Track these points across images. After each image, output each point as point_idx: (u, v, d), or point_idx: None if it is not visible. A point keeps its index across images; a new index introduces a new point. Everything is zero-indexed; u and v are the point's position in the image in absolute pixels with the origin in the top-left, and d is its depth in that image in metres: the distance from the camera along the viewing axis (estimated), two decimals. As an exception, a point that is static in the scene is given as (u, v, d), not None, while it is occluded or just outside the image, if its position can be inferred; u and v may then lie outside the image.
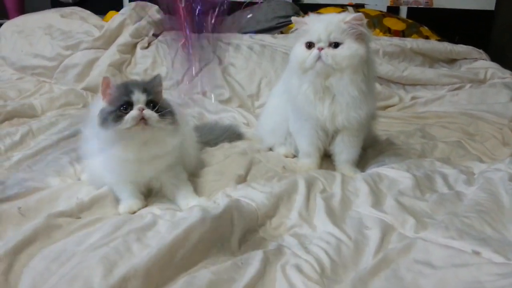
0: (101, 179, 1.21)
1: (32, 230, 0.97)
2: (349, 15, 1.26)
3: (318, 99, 1.37)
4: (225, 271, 0.87)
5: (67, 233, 1.00)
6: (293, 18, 1.39)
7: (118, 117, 1.05)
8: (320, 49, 1.28)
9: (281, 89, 1.56)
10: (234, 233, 1.01)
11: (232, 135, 1.73)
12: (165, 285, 0.85)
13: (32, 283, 0.84)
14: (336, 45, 1.27)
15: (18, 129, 1.75)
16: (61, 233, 1.00)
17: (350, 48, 1.26)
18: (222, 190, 1.23)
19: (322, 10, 2.86)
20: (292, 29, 1.38)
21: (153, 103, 1.09)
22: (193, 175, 1.35)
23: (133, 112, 1.06)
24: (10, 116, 1.94)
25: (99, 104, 1.12)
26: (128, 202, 1.15)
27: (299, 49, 1.33)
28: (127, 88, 1.08)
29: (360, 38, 1.27)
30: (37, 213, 1.08)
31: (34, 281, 0.84)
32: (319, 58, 1.28)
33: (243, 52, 2.42)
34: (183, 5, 2.06)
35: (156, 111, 1.09)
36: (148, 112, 1.07)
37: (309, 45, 1.30)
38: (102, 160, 1.17)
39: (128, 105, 1.07)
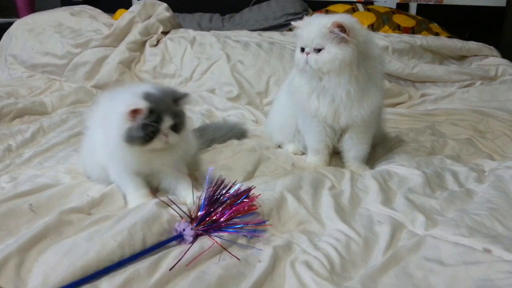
0: (98, 173, 1.23)
1: (43, 226, 0.98)
2: (331, 20, 1.27)
3: (315, 97, 1.40)
4: (234, 267, 0.87)
5: (78, 229, 1.01)
6: (292, 22, 1.45)
7: (146, 140, 1.10)
8: (308, 54, 1.33)
9: (289, 81, 1.57)
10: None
11: (237, 132, 1.74)
12: (173, 281, 0.85)
13: (43, 278, 0.85)
14: (319, 50, 1.31)
15: (29, 126, 1.77)
16: (72, 229, 1.01)
17: (329, 53, 1.29)
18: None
19: (330, 7, 2.85)
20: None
21: (176, 125, 1.13)
22: (196, 170, 1.36)
23: (161, 139, 1.11)
24: (21, 114, 1.96)
25: (119, 116, 1.10)
26: (137, 199, 1.16)
27: (297, 52, 1.38)
28: (159, 116, 1.09)
29: (344, 41, 1.28)
30: (49, 210, 1.09)
31: (45, 275, 0.85)
32: (307, 62, 1.33)
33: (251, 49, 2.41)
34: None
35: (176, 127, 1.13)
36: (171, 138, 1.12)
37: (302, 49, 1.35)
38: (108, 153, 1.18)
39: (156, 130, 1.10)
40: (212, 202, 1.02)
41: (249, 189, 1.05)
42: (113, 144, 1.13)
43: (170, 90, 1.20)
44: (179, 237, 0.97)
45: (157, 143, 1.11)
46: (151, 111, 1.08)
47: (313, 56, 1.31)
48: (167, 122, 1.11)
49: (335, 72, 1.31)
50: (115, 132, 1.10)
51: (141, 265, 0.88)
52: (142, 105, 1.07)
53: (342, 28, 1.26)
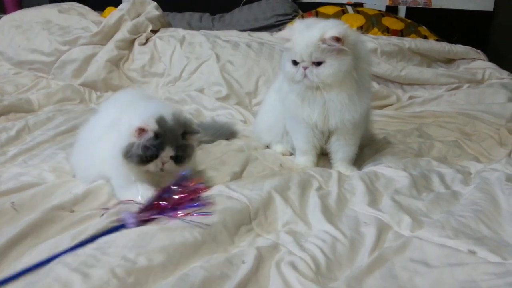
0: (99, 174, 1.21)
1: (25, 226, 0.96)
2: (327, 32, 1.26)
3: (307, 105, 1.39)
4: (218, 268, 0.86)
5: (60, 228, 1.00)
6: (275, 35, 1.41)
7: (142, 160, 1.10)
8: (305, 68, 1.31)
9: (278, 87, 1.56)
10: (227, 230, 1.01)
11: (226, 133, 1.73)
12: (156, 283, 0.84)
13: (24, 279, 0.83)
14: (318, 63, 1.29)
15: (15, 124, 1.75)
16: (55, 228, 1.00)
17: (332, 66, 1.28)
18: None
19: (320, 8, 2.85)
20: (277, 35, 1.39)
21: (178, 157, 1.13)
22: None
23: (157, 164, 1.11)
24: (6, 111, 1.93)
25: (128, 129, 1.10)
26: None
27: (287, 64, 1.35)
28: (161, 144, 1.09)
29: (342, 52, 1.28)
30: (31, 209, 1.08)
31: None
32: (305, 75, 1.31)
33: (241, 49, 2.41)
34: None
35: (177, 159, 1.13)
36: (168, 167, 1.12)
37: (295, 62, 1.33)
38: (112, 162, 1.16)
39: (154, 156, 1.10)
40: (162, 192, 1.02)
41: (198, 179, 1.06)
42: (116, 155, 1.12)
43: (184, 121, 1.17)
44: (121, 227, 0.98)
45: (152, 166, 1.11)
46: (157, 136, 1.08)
47: (313, 70, 1.30)
48: (168, 152, 1.11)
49: (339, 82, 1.31)
50: (120, 143, 1.10)
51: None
52: (151, 126, 1.07)
53: (338, 39, 1.25)
